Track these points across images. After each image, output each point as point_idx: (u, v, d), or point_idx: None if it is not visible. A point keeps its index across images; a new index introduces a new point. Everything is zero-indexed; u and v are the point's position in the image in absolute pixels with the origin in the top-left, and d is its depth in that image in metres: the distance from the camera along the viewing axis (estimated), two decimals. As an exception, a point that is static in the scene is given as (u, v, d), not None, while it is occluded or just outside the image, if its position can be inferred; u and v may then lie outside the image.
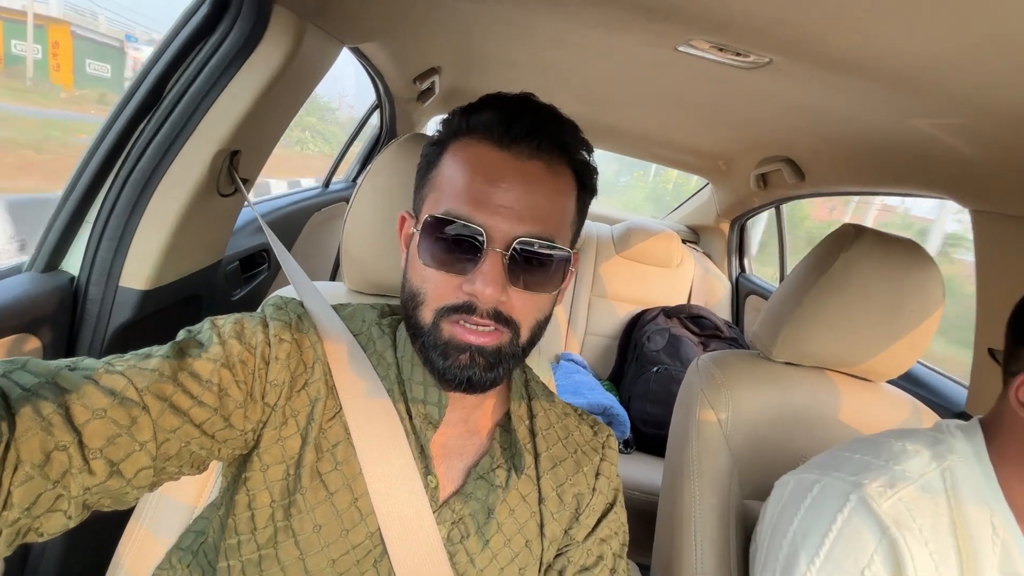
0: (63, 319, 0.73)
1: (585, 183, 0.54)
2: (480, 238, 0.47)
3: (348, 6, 0.81)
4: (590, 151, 0.55)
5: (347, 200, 1.93)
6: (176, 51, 0.71)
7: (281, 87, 0.79)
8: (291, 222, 1.50)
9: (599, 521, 0.62)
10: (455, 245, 0.48)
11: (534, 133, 0.49)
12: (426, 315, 0.50)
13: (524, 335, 0.51)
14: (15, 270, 0.72)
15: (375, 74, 1.47)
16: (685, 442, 0.93)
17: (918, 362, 1.40)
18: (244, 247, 1.18)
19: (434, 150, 0.53)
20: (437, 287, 0.50)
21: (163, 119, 0.73)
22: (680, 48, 0.89)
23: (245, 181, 0.88)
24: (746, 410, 0.90)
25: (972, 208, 1.03)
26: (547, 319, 0.54)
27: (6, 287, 0.66)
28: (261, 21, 0.71)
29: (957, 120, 0.81)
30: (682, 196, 2.93)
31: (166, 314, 0.87)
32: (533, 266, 0.49)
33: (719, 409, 0.91)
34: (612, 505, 0.64)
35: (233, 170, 0.83)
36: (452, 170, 0.50)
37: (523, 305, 0.50)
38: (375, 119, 1.99)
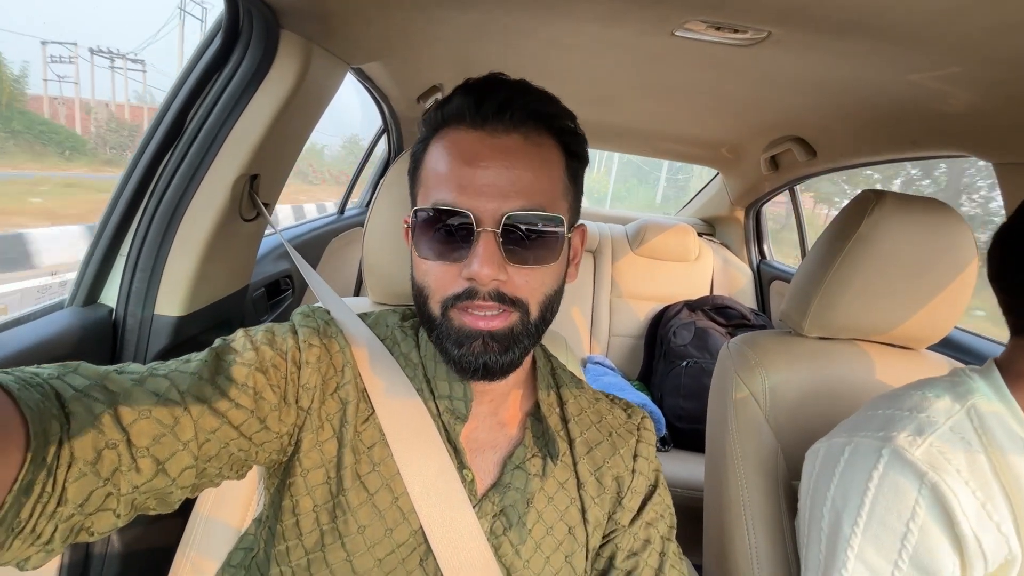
0: (104, 350, 0.76)
1: (573, 151, 0.53)
2: (469, 221, 0.47)
3: (351, 27, 0.84)
4: (573, 119, 0.54)
5: (363, 225, 1.97)
6: (193, 84, 0.74)
7: (293, 110, 0.82)
8: (310, 249, 1.53)
9: (643, 504, 0.61)
10: (448, 233, 0.48)
11: (505, 107, 0.48)
12: (434, 307, 0.51)
13: (534, 312, 0.51)
14: (58, 306, 0.75)
15: (380, 97, 1.51)
16: (724, 428, 0.91)
17: (959, 328, 1.35)
18: (268, 273, 1.21)
19: (419, 148, 0.54)
20: (439, 278, 0.50)
21: (185, 150, 0.76)
22: (676, 33, 0.90)
23: (266, 205, 0.91)
24: (783, 389, 0.88)
25: (995, 161, 1.00)
26: (556, 294, 0.54)
27: (50, 323, 0.69)
28: (271, 46, 0.74)
29: (969, 70, 0.79)
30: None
31: (201, 340, 0.89)
32: (529, 239, 0.48)
33: (756, 390, 0.89)
34: (655, 487, 0.63)
35: (254, 194, 0.85)
36: (433, 161, 0.51)
37: (527, 282, 0.50)
38: (383, 144, 2.04)
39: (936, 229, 0.82)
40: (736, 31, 0.84)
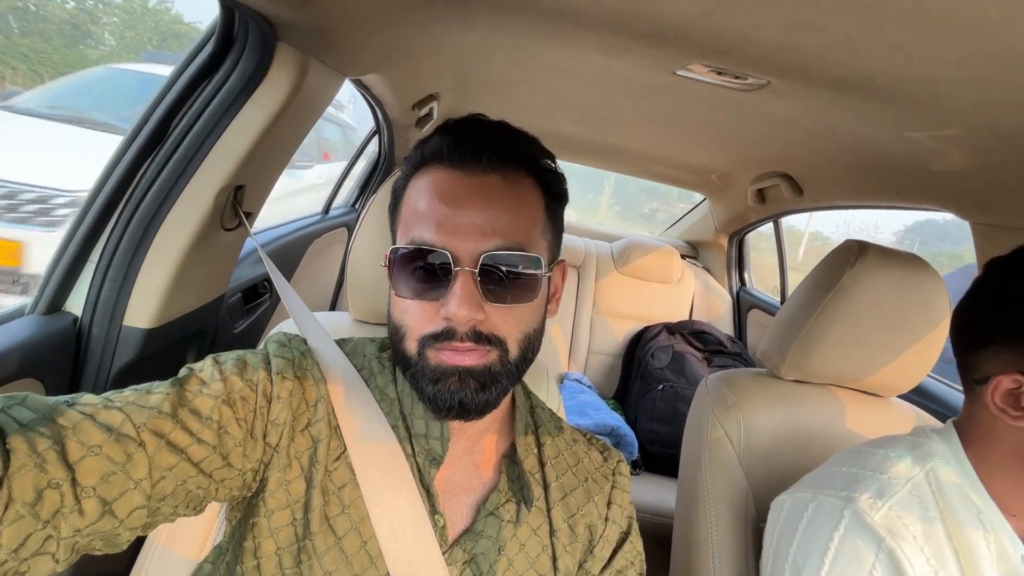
0: (66, 361, 0.72)
1: (552, 190, 0.54)
2: (446, 260, 0.47)
3: (351, 40, 0.81)
4: (552, 159, 0.54)
5: (347, 226, 1.94)
6: (181, 89, 0.71)
7: (284, 121, 0.79)
8: (292, 250, 1.50)
9: (614, 552, 0.61)
10: (425, 272, 0.48)
11: (483, 148, 0.49)
12: (411, 346, 0.50)
13: (513, 351, 0.50)
14: (17, 313, 0.71)
15: (374, 102, 1.49)
16: (698, 465, 0.92)
17: (931, 376, 1.39)
18: (245, 278, 1.18)
19: (399, 184, 0.54)
20: (416, 317, 0.49)
21: (167, 157, 0.73)
22: (678, 72, 0.90)
23: (248, 215, 0.88)
24: (758, 430, 0.89)
25: (972, 221, 1.03)
26: (537, 332, 0.53)
27: (8, 331, 0.65)
28: (265, 58, 0.71)
29: (955, 134, 0.82)
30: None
31: (170, 352, 0.86)
32: (508, 278, 0.48)
33: (731, 430, 0.90)
34: (627, 534, 0.62)
35: (237, 205, 0.82)
36: (412, 200, 0.51)
37: (504, 321, 0.49)
38: (373, 145, 2.01)
39: (913, 284, 0.84)
40: (737, 77, 0.85)
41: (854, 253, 0.86)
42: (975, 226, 1.03)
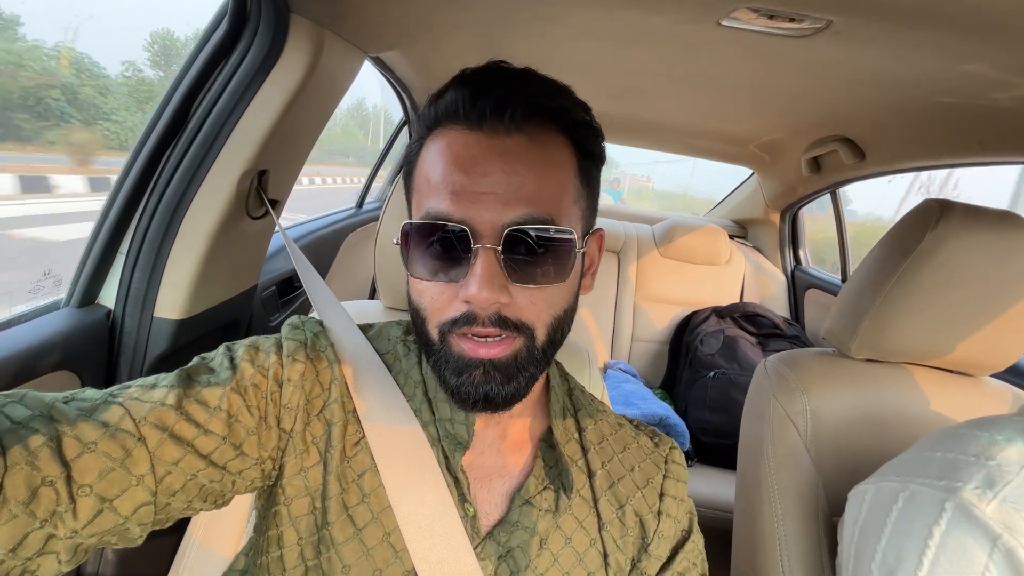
0: (101, 353, 0.72)
1: (587, 149, 0.47)
2: (465, 235, 0.41)
3: (367, 13, 0.78)
4: (587, 111, 0.47)
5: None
6: (197, 73, 0.69)
7: (305, 101, 0.76)
8: (326, 244, 1.49)
9: (675, 552, 0.55)
10: (442, 249, 0.42)
11: (505, 104, 0.42)
12: (432, 332, 0.45)
13: (541, 336, 0.45)
14: (53, 307, 0.72)
15: (401, 88, 1.46)
16: (759, 455, 0.84)
17: None
18: (280, 271, 1.18)
19: (413, 149, 0.48)
20: (435, 300, 0.44)
21: (188, 144, 0.71)
22: (723, 22, 0.81)
23: (275, 203, 0.86)
24: (827, 415, 0.80)
25: None
26: (568, 313, 0.47)
27: (44, 324, 0.66)
28: (280, 33, 0.69)
29: None
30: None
31: (204, 343, 0.86)
32: (534, 255, 0.42)
33: (795, 415, 0.81)
34: (689, 533, 0.56)
35: (262, 191, 0.81)
36: (426, 166, 0.45)
37: (532, 304, 0.44)
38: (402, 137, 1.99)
39: (1010, 245, 0.73)
40: (792, 20, 0.75)
41: (936, 212, 0.75)
42: None
